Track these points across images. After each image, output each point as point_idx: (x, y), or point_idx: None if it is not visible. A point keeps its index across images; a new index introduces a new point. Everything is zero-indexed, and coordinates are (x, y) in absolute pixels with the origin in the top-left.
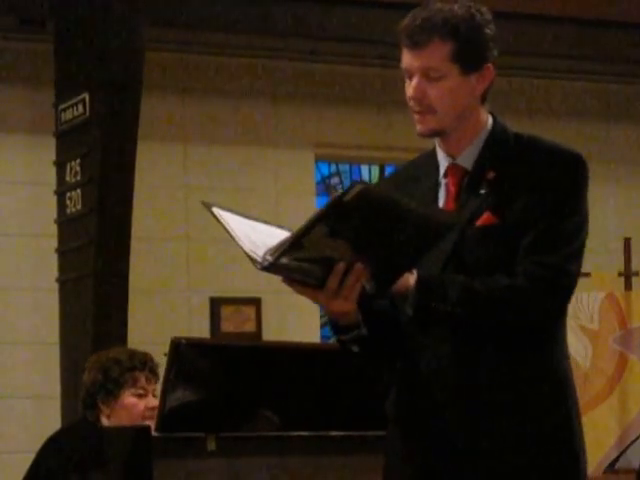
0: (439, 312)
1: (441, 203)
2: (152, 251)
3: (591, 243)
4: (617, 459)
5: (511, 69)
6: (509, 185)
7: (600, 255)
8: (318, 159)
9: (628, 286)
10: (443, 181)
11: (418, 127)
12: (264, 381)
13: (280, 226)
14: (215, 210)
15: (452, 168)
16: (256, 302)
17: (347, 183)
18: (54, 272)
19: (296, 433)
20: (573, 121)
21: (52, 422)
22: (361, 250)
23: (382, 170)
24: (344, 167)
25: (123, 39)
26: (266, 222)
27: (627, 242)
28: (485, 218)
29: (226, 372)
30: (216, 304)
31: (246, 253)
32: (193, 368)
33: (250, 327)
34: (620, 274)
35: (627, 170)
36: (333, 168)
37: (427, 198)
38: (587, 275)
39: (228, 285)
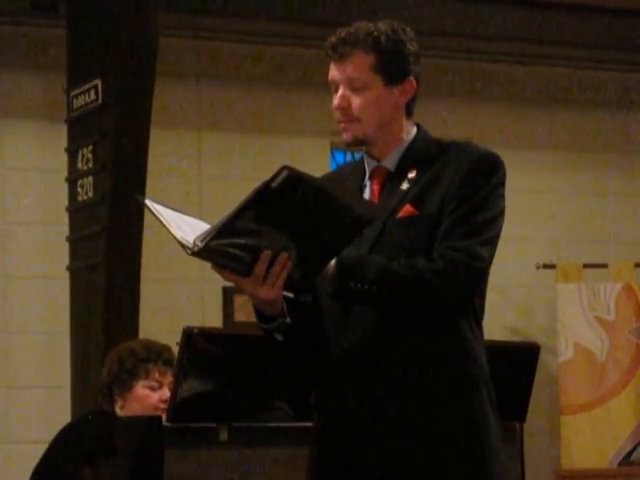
0: (357, 291)
1: None
2: (164, 240)
3: (607, 234)
4: (633, 451)
5: None
6: (429, 181)
7: (617, 246)
8: (334, 148)
9: None
10: (368, 183)
11: (343, 136)
12: (277, 371)
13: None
14: (148, 202)
15: (377, 169)
16: None
17: None
18: (65, 260)
19: (309, 424)
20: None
21: (62, 412)
22: (288, 237)
23: None
24: (360, 156)
25: (136, 24)
26: (193, 215)
27: None
28: (405, 210)
29: (238, 362)
30: (229, 294)
31: (177, 240)
32: (205, 358)
33: None
34: (637, 265)
35: None
36: (349, 157)
37: None
38: (604, 266)
39: None
